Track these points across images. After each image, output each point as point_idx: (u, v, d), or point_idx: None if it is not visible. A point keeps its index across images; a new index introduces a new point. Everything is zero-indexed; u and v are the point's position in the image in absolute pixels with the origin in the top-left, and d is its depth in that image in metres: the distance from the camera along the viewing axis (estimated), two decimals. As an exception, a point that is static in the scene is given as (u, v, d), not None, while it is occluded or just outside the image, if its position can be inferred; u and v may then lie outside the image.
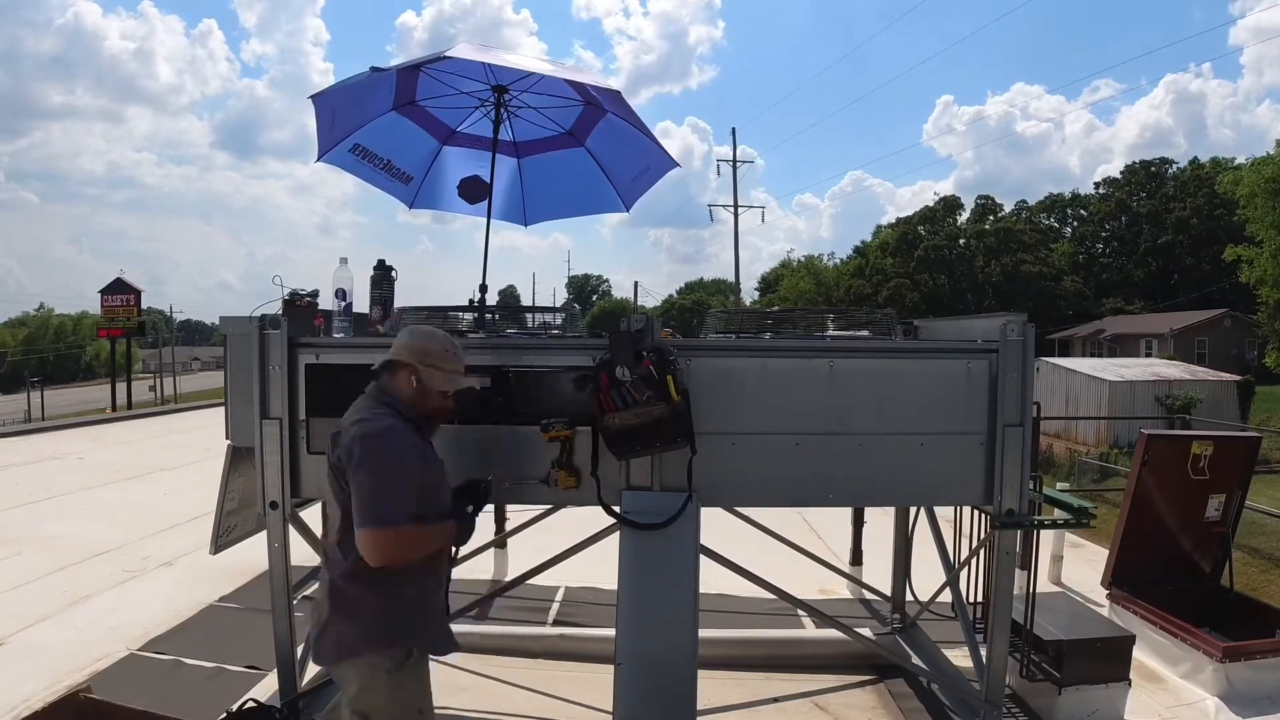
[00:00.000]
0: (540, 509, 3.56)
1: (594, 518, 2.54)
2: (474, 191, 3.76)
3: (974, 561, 3.10)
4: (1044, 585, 4.14)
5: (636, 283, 56.96)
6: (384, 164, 3.61)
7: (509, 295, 65.87)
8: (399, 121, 3.54)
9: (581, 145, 3.74)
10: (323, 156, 3.36)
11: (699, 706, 2.40)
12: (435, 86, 3.39)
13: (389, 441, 1.91)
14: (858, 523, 4.41)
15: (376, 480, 1.87)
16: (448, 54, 2.89)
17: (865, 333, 3.08)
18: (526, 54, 3.45)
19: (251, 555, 2.99)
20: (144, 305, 24.68)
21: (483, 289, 3.40)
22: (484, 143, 3.65)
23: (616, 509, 2.46)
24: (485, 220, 3.68)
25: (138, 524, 5.55)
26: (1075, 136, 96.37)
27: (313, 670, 2.95)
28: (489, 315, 3.22)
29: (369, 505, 1.85)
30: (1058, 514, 2.99)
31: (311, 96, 3.08)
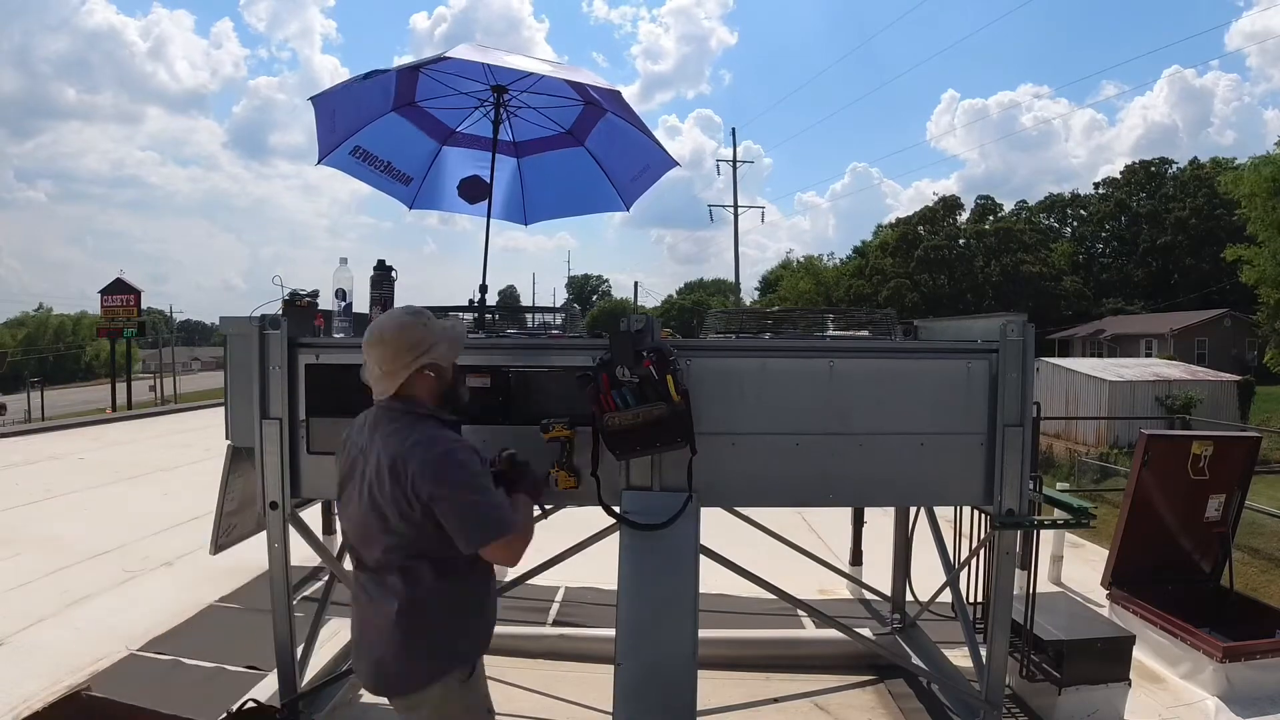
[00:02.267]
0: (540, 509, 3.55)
1: (594, 518, 2.54)
2: (474, 191, 3.76)
3: (974, 561, 3.10)
4: (1044, 585, 4.14)
5: (636, 283, 57.10)
6: (384, 166, 3.61)
7: (509, 295, 65.89)
8: (399, 122, 3.54)
9: (581, 145, 3.74)
10: (323, 159, 3.36)
11: (699, 706, 2.40)
12: (435, 87, 3.39)
13: (456, 455, 1.83)
14: (858, 523, 4.41)
15: (470, 497, 1.81)
16: (447, 54, 2.89)
17: (865, 333, 3.08)
18: (536, 56, 3.45)
19: (251, 555, 2.99)
20: (145, 305, 24.70)
21: (483, 289, 3.40)
22: (484, 143, 3.65)
23: (616, 509, 2.46)
24: (486, 220, 3.68)
25: (138, 524, 5.55)
26: (1084, 136, 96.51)
27: (313, 670, 2.96)
28: (489, 315, 3.22)
29: (481, 522, 1.81)
30: (1058, 514, 2.99)
31: (311, 98, 3.08)
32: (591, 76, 3.09)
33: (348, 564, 2.11)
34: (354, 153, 3.47)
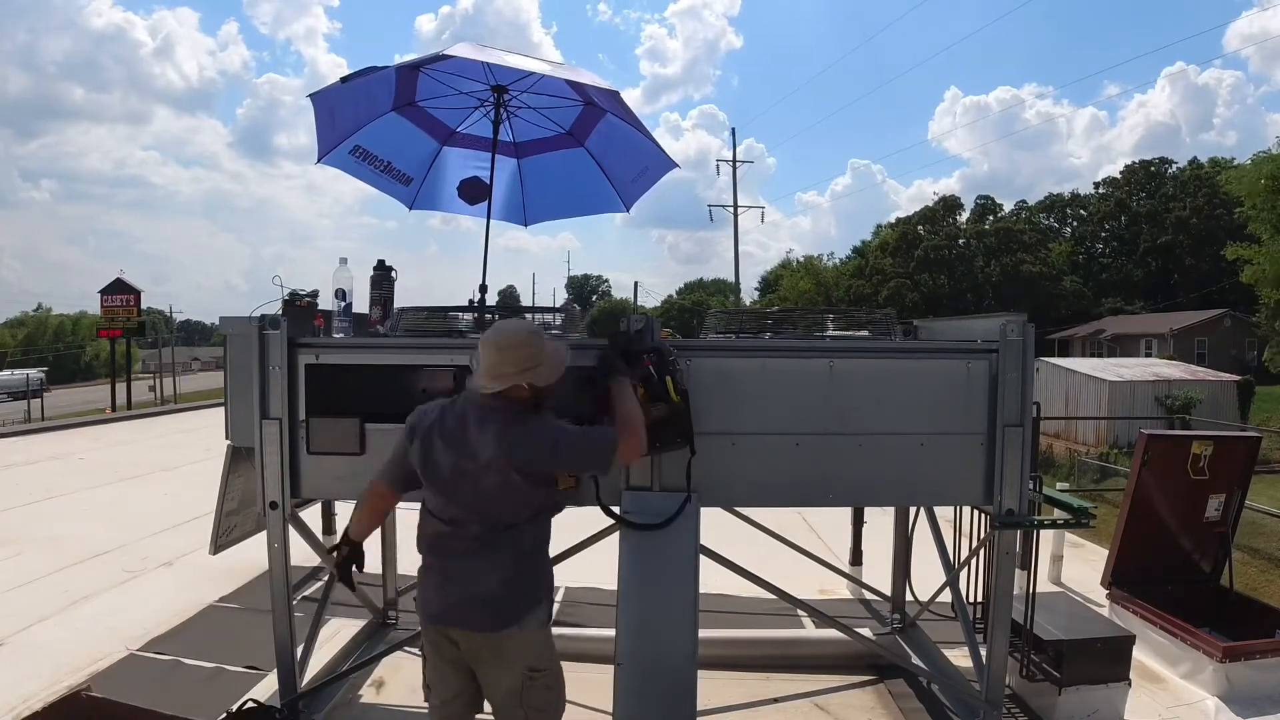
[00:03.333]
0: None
1: (594, 518, 2.54)
2: (474, 192, 3.76)
3: (974, 561, 3.10)
4: (1044, 585, 4.14)
5: (637, 283, 57.05)
6: (384, 165, 3.61)
7: (508, 295, 65.81)
8: (398, 122, 3.54)
9: (581, 145, 3.74)
10: (323, 158, 3.36)
11: (699, 706, 2.40)
12: (435, 87, 3.39)
13: (551, 423, 2.14)
14: (858, 523, 4.40)
15: (581, 442, 2.14)
16: (447, 53, 2.88)
17: (865, 333, 3.08)
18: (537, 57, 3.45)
19: (251, 555, 2.99)
20: (145, 305, 24.65)
21: (483, 289, 3.40)
22: (484, 143, 3.65)
23: (615, 509, 2.46)
24: (486, 221, 3.68)
25: (138, 524, 5.54)
26: (1085, 136, 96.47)
27: (313, 670, 2.96)
28: (489, 315, 3.22)
29: (595, 448, 2.15)
30: (1058, 514, 2.99)
31: (311, 95, 3.08)
32: (591, 77, 3.09)
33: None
34: (354, 152, 3.47)
